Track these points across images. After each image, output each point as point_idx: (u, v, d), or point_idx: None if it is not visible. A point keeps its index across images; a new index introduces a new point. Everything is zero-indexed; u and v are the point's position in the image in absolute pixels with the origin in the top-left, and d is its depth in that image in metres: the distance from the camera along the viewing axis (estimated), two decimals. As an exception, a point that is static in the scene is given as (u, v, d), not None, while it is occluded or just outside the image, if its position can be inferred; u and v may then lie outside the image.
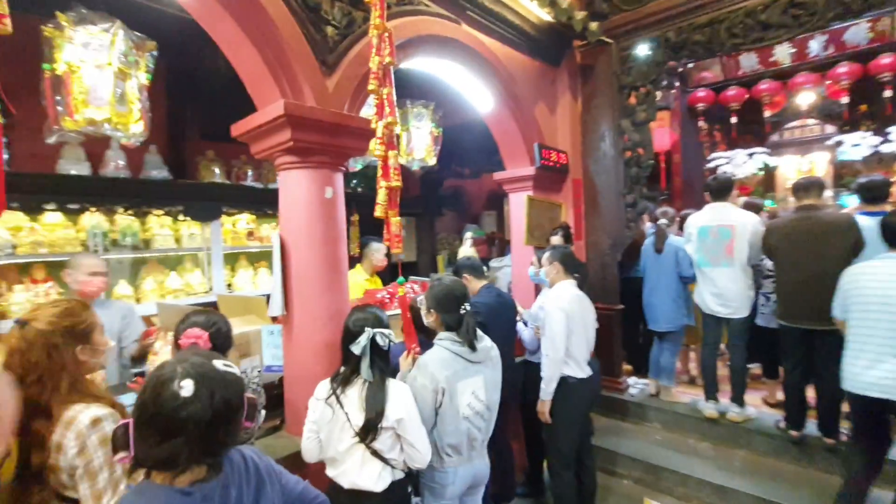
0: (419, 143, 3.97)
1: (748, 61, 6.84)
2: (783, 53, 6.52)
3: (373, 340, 1.61)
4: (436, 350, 1.87)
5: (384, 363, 1.65)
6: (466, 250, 4.29)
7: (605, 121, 4.13)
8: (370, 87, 2.03)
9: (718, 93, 7.20)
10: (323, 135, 2.23)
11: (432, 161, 4.16)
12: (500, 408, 2.12)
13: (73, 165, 3.57)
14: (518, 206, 3.92)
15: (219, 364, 0.84)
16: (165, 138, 4.30)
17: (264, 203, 4.38)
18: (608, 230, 4.15)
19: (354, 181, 5.18)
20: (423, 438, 1.61)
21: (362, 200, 5.05)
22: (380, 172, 2.12)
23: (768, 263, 3.48)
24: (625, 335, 4.47)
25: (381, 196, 2.13)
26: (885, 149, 5.99)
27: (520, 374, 3.02)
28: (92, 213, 3.69)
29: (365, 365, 1.58)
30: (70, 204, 3.54)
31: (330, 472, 1.62)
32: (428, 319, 1.98)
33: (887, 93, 5.96)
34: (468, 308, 1.95)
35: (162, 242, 4.09)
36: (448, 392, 1.76)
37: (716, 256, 3.43)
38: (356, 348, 1.59)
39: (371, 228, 4.89)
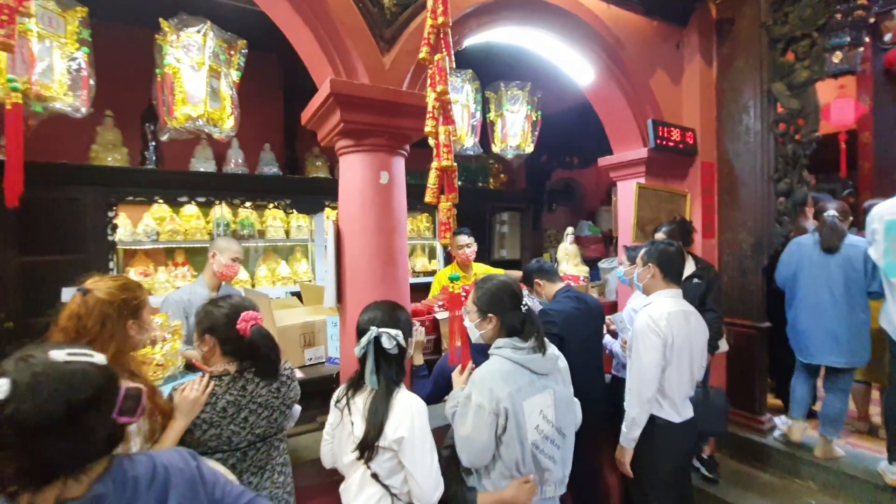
0: (514, 129, 3.61)
1: None
2: None
3: (378, 342, 1.36)
4: (494, 361, 1.54)
5: (392, 370, 1.39)
6: (567, 247, 3.80)
7: (750, 87, 3.27)
8: (421, 55, 1.78)
9: (937, 46, 5.35)
10: (376, 114, 2.06)
11: (529, 149, 3.76)
12: (584, 436, 1.73)
13: (203, 164, 4.04)
14: (627, 196, 3.31)
15: (58, 354, 0.68)
16: (281, 138, 4.66)
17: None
18: (750, 226, 3.28)
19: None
20: (427, 470, 1.31)
21: (460, 193, 4.88)
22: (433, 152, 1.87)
23: None
24: (772, 361, 3.52)
25: (432, 178, 1.88)
26: None
27: (611, 394, 2.51)
28: (218, 206, 4.13)
29: (367, 370, 1.34)
30: (199, 197, 4.00)
31: (342, 485, 1.42)
32: (482, 329, 1.63)
33: None
34: (528, 306, 1.59)
35: (273, 233, 4.43)
36: (512, 413, 1.43)
37: (917, 263, 2.42)
38: (357, 350, 1.36)
39: (467, 223, 4.72)
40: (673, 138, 3.23)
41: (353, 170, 2.15)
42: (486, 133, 3.77)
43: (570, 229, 3.84)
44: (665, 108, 3.34)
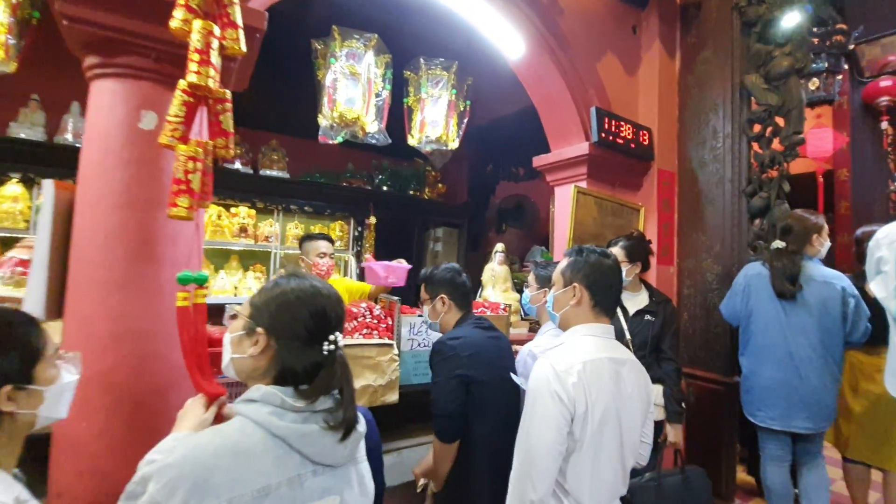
0: (434, 117, 2.90)
1: (972, 30, 4.60)
2: None
3: None
4: (232, 427, 0.82)
5: None
6: (495, 269, 3.04)
7: (719, 81, 2.64)
8: None
9: (916, 81, 4.97)
10: (125, 14, 1.28)
11: (453, 144, 3.04)
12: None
13: (27, 130, 3.14)
14: (564, 205, 2.59)
15: None
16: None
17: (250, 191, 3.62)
18: (717, 251, 2.58)
19: (380, 177, 4.24)
20: None
21: (386, 201, 4.12)
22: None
23: None
24: (744, 427, 2.76)
25: (175, 106, 1.08)
26: None
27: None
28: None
29: None
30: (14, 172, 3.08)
31: None
32: (241, 353, 0.89)
33: None
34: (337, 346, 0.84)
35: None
36: None
37: (944, 305, 1.72)
38: None
39: (392, 237, 3.97)
40: (623, 134, 2.56)
41: (99, 103, 1.35)
42: (403, 122, 3.05)
43: (499, 246, 3.09)
44: (616, 101, 2.68)
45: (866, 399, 2.26)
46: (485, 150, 4.25)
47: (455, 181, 4.68)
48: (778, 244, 2.13)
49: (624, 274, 2.12)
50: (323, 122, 2.52)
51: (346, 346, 2.01)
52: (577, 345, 1.28)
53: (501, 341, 1.64)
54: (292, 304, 0.89)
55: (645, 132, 2.69)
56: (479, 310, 2.46)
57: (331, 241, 2.53)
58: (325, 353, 0.85)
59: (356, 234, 3.88)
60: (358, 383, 2.01)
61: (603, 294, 1.31)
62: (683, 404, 2.13)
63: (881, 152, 5.39)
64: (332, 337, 0.87)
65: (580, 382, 1.17)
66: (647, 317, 2.11)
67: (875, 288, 1.93)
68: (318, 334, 0.85)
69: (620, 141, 2.53)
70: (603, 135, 2.45)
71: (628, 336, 2.11)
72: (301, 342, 0.86)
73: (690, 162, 2.74)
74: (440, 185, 4.46)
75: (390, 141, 2.83)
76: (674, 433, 2.04)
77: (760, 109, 2.45)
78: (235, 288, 3.49)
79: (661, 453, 2.13)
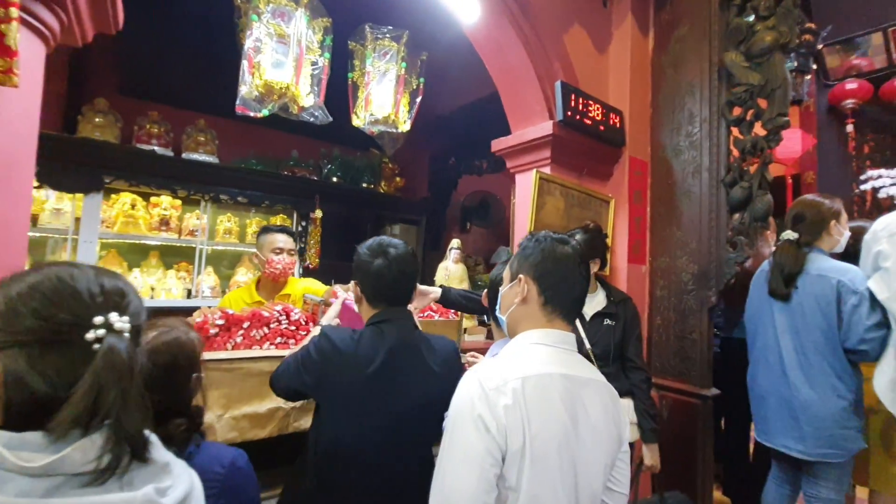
0: (381, 94, 2.54)
1: (934, 34, 4.59)
2: None
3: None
4: None
5: None
6: (449, 267, 2.69)
7: (696, 60, 2.39)
8: None
9: (879, 84, 4.95)
10: None
11: (404, 126, 2.68)
12: None
13: None
14: (525, 194, 2.27)
15: None
16: (62, 82, 3.31)
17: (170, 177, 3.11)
18: (693, 248, 2.31)
19: (329, 166, 3.82)
20: None
21: (335, 194, 3.70)
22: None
23: None
24: (721, 445, 2.52)
25: None
26: None
27: None
28: None
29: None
30: None
31: None
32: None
33: None
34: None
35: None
36: None
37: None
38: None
39: (341, 233, 3.56)
40: (591, 115, 2.26)
41: None
42: (348, 100, 2.67)
43: (454, 242, 2.74)
44: (584, 80, 2.38)
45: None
46: (448, 142, 3.90)
47: (415, 175, 4.31)
48: (789, 235, 1.85)
49: None
50: (242, 89, 2.11)
51: (250, 358, 1.62)
52: (519, 355, 0.92)
53: (419, 363, 1.22)
54: (22, 296, 0.51)
55: (616, 115, 2.40)
56: (427, 314, 2.11)
57: (292, 235, 2.13)
58: (93, 348, 0.51)
59: (300, 229, 3.45)
60: (264, 405, 1.61)
61: (556, 289, 0.97)
62: (657, 419, 1.82)
63: (846, 155, 5.36)
64: (97, 320, 0.51)
65: (517, 406, 0.83)
66: (607, 321, 1.81)
67: (874, 287, 1.66)
68: (68, 323, 0.51)
69: (588, 122, 2.24)
70: (569, 113, 2.15)
71: (588, 346, 1.76)
72: (41, 342, 0.51)
73: (664, 150, 2.48)
74: (398, 179, 4.08)
75: (331, 119, 2.44)
76: (650, 455, 1.74)
77: (741, 90, 2.20)
78: (153, 289, 3.01)
79: (638, 479, 1.82)
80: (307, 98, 2.35)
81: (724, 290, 2.22)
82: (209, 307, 1.71)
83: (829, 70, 5.30)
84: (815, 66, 4.96)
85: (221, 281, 3.17)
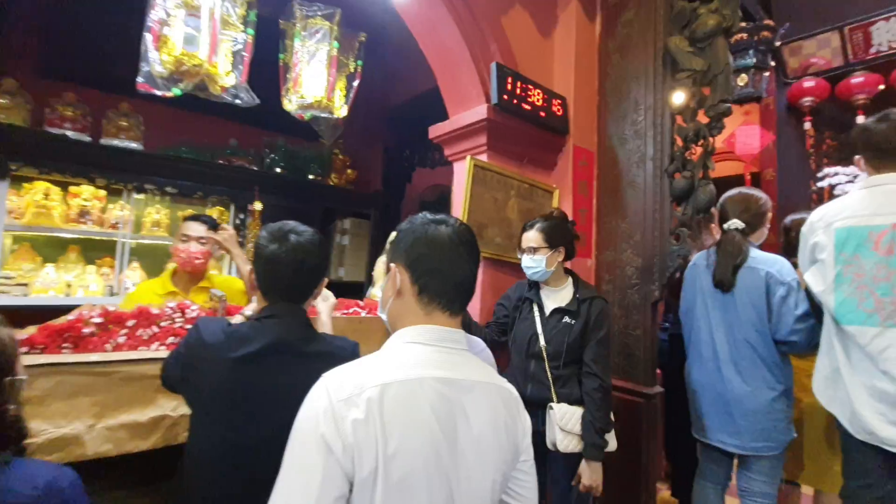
0: (311, 76, 2.36)
1: (884, 34, 4.65)
2: (951, 14, 4.29)
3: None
4: None
5: None
6: (385, 259, 2.53)
7: (642, 46, 2.30)
8: None
9: (836, 83, 5.01)
10: None
11: (342, 111, 2.51)
12: None
13: None
14: (461, 184, 2.13)
15: None
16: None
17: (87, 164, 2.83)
18: (637, 241, 2.22)
19: (272, 156, 3.60)
20: None
21: (278, 185, 3.49)
22: None
23: None
24: (669, 444, 2.44)
25: None
26: None
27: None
28: None
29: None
30: None
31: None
32: None
33: None
34: None
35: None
36: None
37: (889, 301, 1.40)
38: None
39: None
40: (531, 100, 2.14)
41: None
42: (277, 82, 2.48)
43: (393, 235, 2.56)
44: (526, 65, 2.26)
45: (795, 409, 1.95)
46: (402, 134, 3.75)
47: (368, 167, 4.13)
48: (736, 224, 1.80)
49: (544, 264, 1.70)
50: (144, 67, 1.91)
51: (130, 361, 1.44)
52: (386, 357, 0.78)
53: (297, 366, 1.04)
54: None
55: (559, 101, 2.29)
56: (352, 310, 1.95)
57: (209, 223, 1.94)
58: None
59: (238, 222, 3.24)
60: (147, 413, 1.43)
61: (431, 275, 0.83)
62: (609, 435, 1.66)
63: (805, 153, 5.41)
64: None
65: (370, 420, 0.69)
66: (566, 318, 1.68)
67: (810, 279, 1.58)
68: None
69: (527, 107, 2.11)
70: (505, 97, 2.02)
71: (542, 343, 1.67)
72: None
73: (611, 138, 2.38)
74: (350, 171, 3.89)
75: (257, 101, 2.26)
76: (590, 473, 1.58)
77: (685, 76, 2.11)
78: (69, 286, 2.77)
79: (575, 498, 1.68)
80: (227, 77, 2.16)
81: (667, 283, 2.13)
82: (92, 304, 1.52)
83: (787, 68, 5.34)
84: (773, 63, 4.98)
85: (149, 277, 2.95)
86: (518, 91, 2.08)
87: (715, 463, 1.86)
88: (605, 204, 2.37)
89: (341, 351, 1.14)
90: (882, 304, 1.41)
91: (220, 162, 3.29)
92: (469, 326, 1.79)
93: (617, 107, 2.37)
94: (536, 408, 1.62)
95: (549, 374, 1.64)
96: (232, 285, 2.01)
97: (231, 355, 1.00)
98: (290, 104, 2.44)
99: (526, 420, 0.88)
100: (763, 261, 1.73)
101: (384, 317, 0.91)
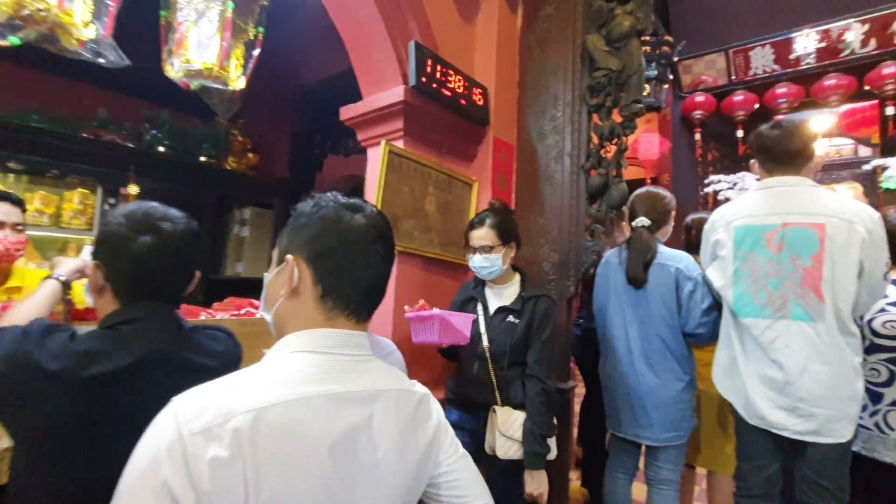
0: (200, 39, 2.03)
1: (761, 59, 5.27)
2: (808, 46, 4.97)
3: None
4: None
5: None
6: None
7: (561, 41, 2.29)
8: None
9: (721, 99, 5.59)
10: None
11: (239, 82, 2.19)
12: None
13: None
14: (375, 171, 1.95)
15: None
16: None
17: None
18: (555, 237, 2.21)
19: (154, 133, 3.10)
20: None
21: (161, 167, 3.00)
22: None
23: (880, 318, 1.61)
24: (584, 438, 2.49)
25: None
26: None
27: None
28: None
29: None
30: None
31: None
32: None
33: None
34: None
35: None
36: None
37: (779, 294, 1.50)
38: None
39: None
40: (451, 85, 2.02)
41: None
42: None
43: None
44: (446, 47, 2.14)
45: (694, 397, 2.06)
46: (314, 117, 3.45)
47: (273, 152, 3.75)
48: (643, 221, 1.83)
49: (500, 262, 1.56)
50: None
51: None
52: (262, 372, 0.60)
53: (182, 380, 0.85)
54: None
55: (480, 90, 2.20)
56: (245, 311, 1.69)
57: (16, 203, 1.53)
58: None
59: (107, 207, 2.74)
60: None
61: (340, 277, 0.67)
62: (551, 441, 1.58)
63: (694, 161, 5.98)
64: None
65: (238, 458, 0.51)
66: (510, 317, 1.58)
67: (712, 275, 1.64)
68: None
69: (447, 93, 1.99)
70: (424, 79, 1.87)
71: (486, 343, 1.57)
72: None
73: (530, 133, 2.34)
74: (251, 155, 3.50)
75: (126, 62, 1.88)
76: (532, 482, 1.49)
77: (601, 74, 2.13)
78: None
79: None
80: (86, 30, 1.76)
81: (581, 279, 2.14)
82: None
83: (682, 82, 5.83)
84: (671, 77, 5.41)
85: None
86: (438, 75, 1.95)
87: (625, 454, 1.91)
88: (523, 198, 2.34)
89: (226, 350, 0.96)
90: (773, 298, 1.50)
91: (85, 136, 2.74)
92: None
93: (536, 101, 2.34)
94: (479, 410, 1.56)
95: (492, 375, 1.56)
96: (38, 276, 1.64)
97: (82, 375, 0.75)
98: (173, 70, 2.07)
99: (439, 421, 0.75)
100: (671, 257, 1.80)
101: (268, 318, 0.72)
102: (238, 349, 1.03)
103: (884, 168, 4.63)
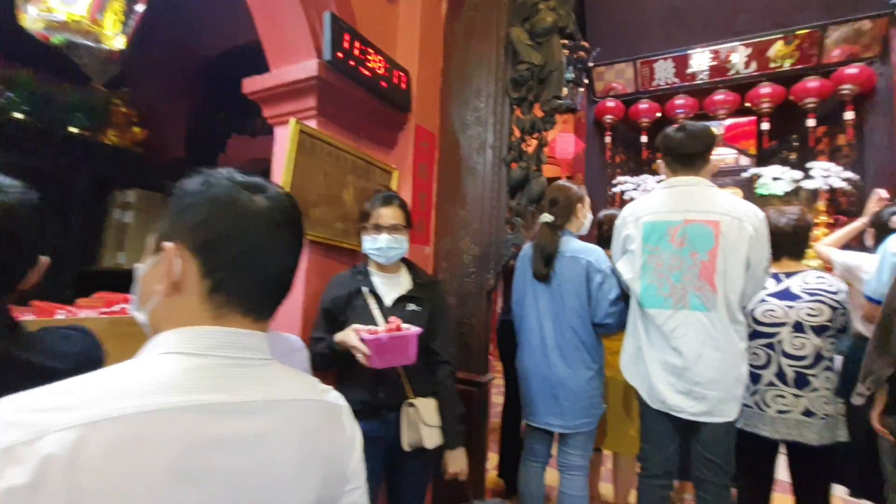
0: (68, -16, 1.70)
1: (663, 71, 5.74)
2: (702, 63, 5.50)
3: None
4: None
5: None
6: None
7: (486, 34, 2.25)
8: None
9: (629, 106, 6.02)
10: None
11: (117, 41, 1.87)
12: None
13: None
14: (283, 152, 1.76)
15: None
16: None
17: None
18: (475, 229, 2.18)
19: (8, 95, 2.55)
20: None
21: (13, 137, 2.47)
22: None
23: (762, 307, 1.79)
24: (503, 429, 2.51)
25: None
26: (808, 184, 5.01)
27: None
28: None
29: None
30: None
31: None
32: None
33: (810, 121, 5.10)
34: None
35: None
36: None
37: (680, 286, 1.59)
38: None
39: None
40: (371, 65, 1.89)
41: None
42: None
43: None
44: (365, 24, 1.99)
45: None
46: (217, 92, 3.11)
47: (164, 127, 3.30)
48: (547, 218, 1.84)
49: (406, 244, 1.47)
50: None
51: None
52: (112, 376, 0.46)
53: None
54: None
55: (402, 74, 2.10)
56: (120, 307, 1.44)
57: None
58: None
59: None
60: None
61: (235, 269, 0.54)
62: (463, 419, 1.59)
63: (605, 162, 6.38)
64: None
65: (46, 489, 0.37)
66: (412, 306, 1.52)
67: (622, 268, 1.70)
68: None
69: (367, 72, 1.86)
70: (340, 55, 1.73)
71: None
72: None
73: (452, 123, 2.29)
74: (137, 129, 3.04)
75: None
76: (455, 461, 1.50)
77: (524, 68, 2.13)
78: None
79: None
80: None
81: (501, 272, 2.14)
82: None
83: (595, 88, 6.15)
84: (587, 81, 5.69)
85: None
86: (356, 52, 1.81)
87: (539, 443, 1.94)
88: (445, 189, 2.28)
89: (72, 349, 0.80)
90: (675, 290, 1.59)
91: None
92: None
93: (460, 91, 2.29)
94: (388, 412, 1.47)
95: (400, 371, 1.47)
96: None
97: None
98: (30, 19, 1.71)
99: (353, 436, 0.65)
100: (582, 251, 1.85)
101: (142, 318, 0.58)
102: (98, 350, 0.86)
103: (759, 176, 5.28)
